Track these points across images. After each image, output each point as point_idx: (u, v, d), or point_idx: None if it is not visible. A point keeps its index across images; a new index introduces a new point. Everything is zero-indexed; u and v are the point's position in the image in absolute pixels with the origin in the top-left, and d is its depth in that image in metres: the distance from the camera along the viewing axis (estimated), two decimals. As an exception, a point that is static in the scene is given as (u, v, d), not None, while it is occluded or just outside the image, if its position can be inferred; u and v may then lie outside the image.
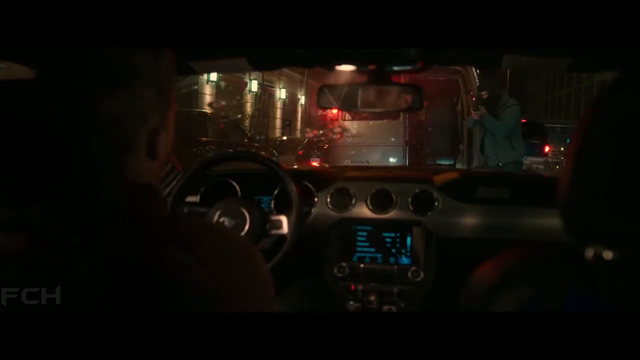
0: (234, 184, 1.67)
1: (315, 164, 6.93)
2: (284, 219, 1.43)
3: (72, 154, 0.49)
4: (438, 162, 6.42)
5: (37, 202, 0.47)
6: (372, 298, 1.61)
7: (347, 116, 6.18)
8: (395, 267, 1.63)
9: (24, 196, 0.47)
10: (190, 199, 1.57)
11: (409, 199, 1.64)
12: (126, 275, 0.47)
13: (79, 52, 0.57)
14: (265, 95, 14.55)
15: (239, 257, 0.60)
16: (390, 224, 1.65)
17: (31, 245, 0.49)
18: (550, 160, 9.70)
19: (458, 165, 6.08)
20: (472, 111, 4.08)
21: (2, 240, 0.50)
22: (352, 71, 1.21)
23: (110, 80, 0.58)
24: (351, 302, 1.64)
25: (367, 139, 6.17)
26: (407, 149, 6.13)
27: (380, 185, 1.67)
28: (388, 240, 1.66)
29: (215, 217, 1.43)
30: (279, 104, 16.19)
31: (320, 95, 1.32)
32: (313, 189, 1.68)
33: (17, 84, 0.52)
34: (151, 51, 0.62)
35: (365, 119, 6.15)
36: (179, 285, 0.49)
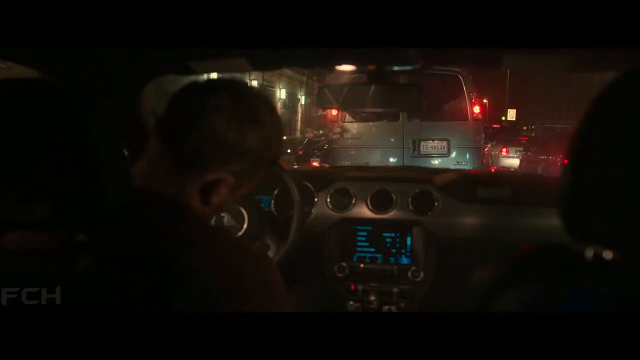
0: None
1: (315, 164, 6.92)
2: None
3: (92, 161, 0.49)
4: None
5: (46, 201, 0.47)
6: (372, 298, 1.61)
7: (347, 117, 6.18)
8: (395, 267, 1.63)
9: (42, 195, 0.47)
10: None
11: (409, 199, 1.64)
12: (128, 274, 0.48)
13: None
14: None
15: (249, 262, 0.61)
16: (390, 224, 1.65)
17: (37, 242, 0.50)
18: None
19: (458, 166, 6.07)
20: None
21: (10, 237, 0.50)
22: (352, 71, 1.21)
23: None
24: (351, 302, 1.64)
25: (367, 140, 6.15)
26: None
27: (380, 185, 1.67)
28: (388, 240, 1.65)
29: None
30: (278, 104, 16.20)
31: (320, 96, 1.32)
32: (313, 189, 1.68)
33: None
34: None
35: (365, 119, 6.14)
36: (182, 285, 0.49)
